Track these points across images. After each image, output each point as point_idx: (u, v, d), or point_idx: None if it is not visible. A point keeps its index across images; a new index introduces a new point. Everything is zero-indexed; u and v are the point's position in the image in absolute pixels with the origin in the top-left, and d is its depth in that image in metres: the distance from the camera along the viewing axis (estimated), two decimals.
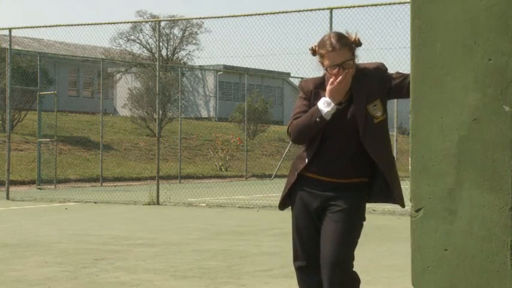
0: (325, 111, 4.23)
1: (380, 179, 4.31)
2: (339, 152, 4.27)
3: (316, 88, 4.37)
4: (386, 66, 4.38)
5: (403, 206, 4.40)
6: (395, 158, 4.44)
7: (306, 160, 4.34)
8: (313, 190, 4.35)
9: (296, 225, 4.43)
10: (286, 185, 4.45)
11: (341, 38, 4.27)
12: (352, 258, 4.31)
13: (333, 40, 4.25)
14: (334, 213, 4.30)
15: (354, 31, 4.36)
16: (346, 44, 4.26)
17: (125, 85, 39.63)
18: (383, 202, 4.43)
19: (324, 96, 4.30)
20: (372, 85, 4.27)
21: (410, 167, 3.25)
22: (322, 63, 4.33)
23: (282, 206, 4.54)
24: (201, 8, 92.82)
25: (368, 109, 4.25)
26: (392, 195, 4.34)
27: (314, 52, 4.38)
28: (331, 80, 4.24)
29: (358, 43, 4.32)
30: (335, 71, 4.25)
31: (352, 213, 4.30)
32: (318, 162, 4.30)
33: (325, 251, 4.27)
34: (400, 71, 4.35)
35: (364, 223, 4.40)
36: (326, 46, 4.25)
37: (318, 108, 4.25)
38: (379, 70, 4.32)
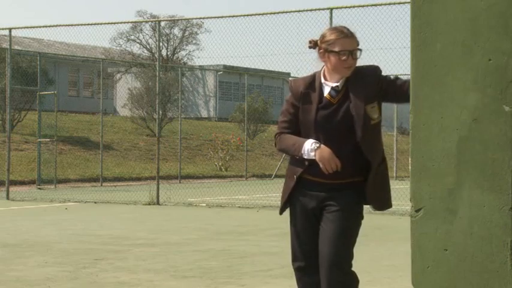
0: (306, 156, 4.26)
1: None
2: (335, 153, 4.26)
3: (306, 89, 4.36)
4: (387, 66, 4.42)
5: (378, 209, 4.42)
6: (386, 159, 4.46)
7: (305, 163, 4.33)
8: (310, 191, 4.35)
9: (294, 227, 4.43)
10: (286, 190, 4.44)
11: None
12: (351, 258, 4.31)
13: (344, 28, 4.32)
14: (330, 213, 4.30)
15: (356, 32, 4.38)
16: (355, 36, 4.33)
17: (125, 85, 39.62)
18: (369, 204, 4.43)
19: (314, 97, 4.31)
20: (370, 86, 4.27)
21: (410, 167, 3.25)
22: (327, 53, 4.30)
23: (283, 211, 4.54)
24: (201, 8, 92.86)
25: (366, 110, 4.25)
26: (372, 197, 4.35)
27: (315, 44, 4.38)
28: (324, 166, 4.23)
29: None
30: (344, 57, 4.25)
31: (348, 213, 4.30)
32: (315, 165, 4.29)
33: (323, 251, 4.28)
34: (401, 72, 4.37)
35: (363, 222, 4.40)
36: (338, 32, 4.29)
37: (302, 147, 4.28)
38: (376, 73, 4.33)
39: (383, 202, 4.39)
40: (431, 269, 3.17)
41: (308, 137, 4.30)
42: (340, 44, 4.26)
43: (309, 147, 4.25)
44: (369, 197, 4.32)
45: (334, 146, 4.25)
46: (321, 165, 4.23)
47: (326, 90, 4.33)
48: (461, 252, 3.13)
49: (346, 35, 4.27)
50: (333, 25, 5.71)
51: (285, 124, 4.41)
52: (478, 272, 3.10)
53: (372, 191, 4.31)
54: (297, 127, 4.38)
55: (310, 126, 4.31)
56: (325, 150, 4.22)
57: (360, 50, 4.30)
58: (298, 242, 4.42)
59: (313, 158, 4.24)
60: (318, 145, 4.24)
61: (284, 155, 29.18)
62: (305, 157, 4.27)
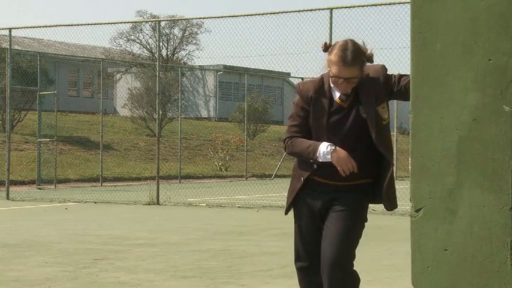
0: (322, 159, 4.24)
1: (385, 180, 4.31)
2: None
3: (316, 93, 4.33)
4: (387, 66, 4.38)
5: (389, 208, 4.40)
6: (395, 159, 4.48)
7: (314, 166, 4.31)
8: (317, 193, 4.34)
9: (299, 227, 4.42)
10: (292, 191, 4.42)
11: (357, 55, 4.20)
12: (353, 258, 4.31)
13: (349, 55, 4.18)
14: (335, 213, 4.30)
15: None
16: (360, 63, 4.22)
17: (125, 85, 39.62)
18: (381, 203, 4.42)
19: (326, 102, 4.29)
20: (378, 87, 4.26)
21: (410, 167, 3.25)
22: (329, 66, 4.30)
23: (289, 211, 4.53)
24: (201, 8, 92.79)
25: (378, 110, 4.24)
26: (387, 197, 4.34)
27: (327, 48, 4.33)
28: (342, 167, 4.21)
29: (370, 59, 4.28)
30: (339, 81, 4.23)
31: (353, 214, 4.30)
32: (325, 166, 4.27)
33: (326, 250, 4.27)
34: (401, 72, 4.34)
35: (366, 224, 4.40)
36: (340, 57, 4.19)
37: (317, 150, 4.24)
38: (382, 72, 4.31)
39: (393, 202, 4.39)
40: (431, 269, 3.17)
41: (320, 141, 4.28)
42: (336, 70, 4.21)
43: (325, 150, 4.23)
44: (383, 195, 4.30)
45: (347, 147, 4.24)
46: (338, 168, 4.21)
47: (336, 95, 4.31)
48: (461, 252, 3.12)
49: (345, 64, 4.17)
50: (333, 26, 5.65)
51: (296, 128, 4.37)
52: (478, 272, 3.10)
53: (386, 190, 4.29)
54: (307, 130, 4.34)
55: (322, 130, 4.29)
56: (342, 152, 4.21)
57: (359, 76, 4.20)
58: (302, 242, 4.41)
59: (329, 160, 4.22)
60: (333, 148, 4.22)
61: (284, 155, 29.19)
62: (320, 160, 4.24)
